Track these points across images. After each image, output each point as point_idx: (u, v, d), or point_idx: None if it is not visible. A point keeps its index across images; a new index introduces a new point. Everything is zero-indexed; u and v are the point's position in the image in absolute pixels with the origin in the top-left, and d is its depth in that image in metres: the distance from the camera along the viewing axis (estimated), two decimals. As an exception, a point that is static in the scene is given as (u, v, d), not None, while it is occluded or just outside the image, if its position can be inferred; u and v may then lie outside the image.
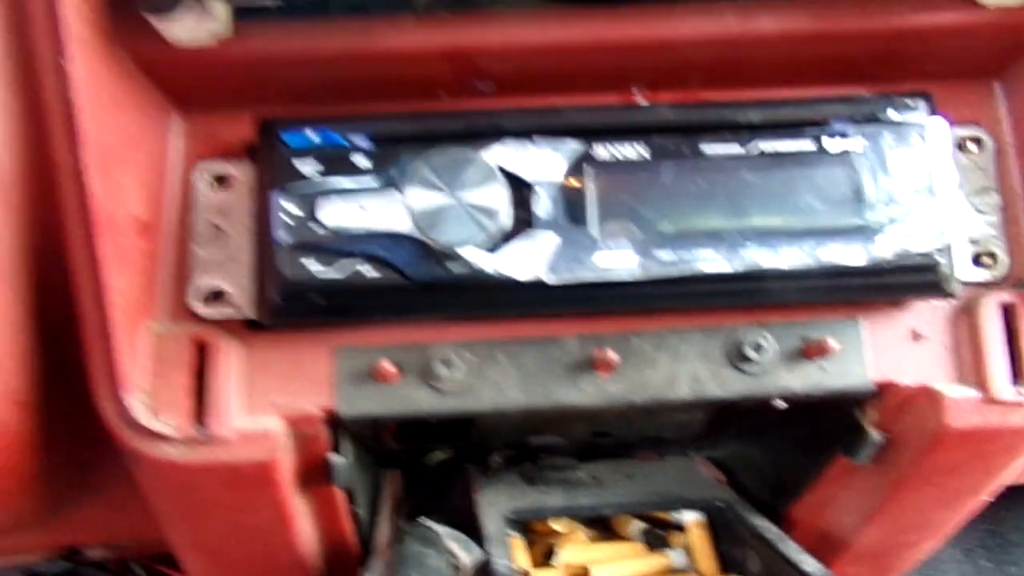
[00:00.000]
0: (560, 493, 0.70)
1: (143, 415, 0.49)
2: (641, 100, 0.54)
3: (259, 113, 0.52)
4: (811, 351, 0.51)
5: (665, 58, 0.51)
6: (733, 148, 0.48)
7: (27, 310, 0.49)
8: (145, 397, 0.49)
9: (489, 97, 0.53)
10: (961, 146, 0.54)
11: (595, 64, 0.52)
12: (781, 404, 0.53)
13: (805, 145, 0.48)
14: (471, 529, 0.63)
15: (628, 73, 0.53)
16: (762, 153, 0.48)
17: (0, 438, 0.50)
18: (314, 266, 0.47)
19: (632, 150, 0.48)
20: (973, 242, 0.53)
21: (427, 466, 0.79)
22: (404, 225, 0.46)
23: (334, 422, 0.52)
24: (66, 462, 0.59)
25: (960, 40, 0.51)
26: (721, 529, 0.68)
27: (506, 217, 0.46)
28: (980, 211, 0.53)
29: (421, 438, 0.69)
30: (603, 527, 0.73)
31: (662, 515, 0.72)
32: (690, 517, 0.69)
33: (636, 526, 0.71)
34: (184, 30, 0.47)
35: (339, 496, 0.59)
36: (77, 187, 0.45)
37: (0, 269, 0.47)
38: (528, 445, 0.73)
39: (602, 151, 0.47)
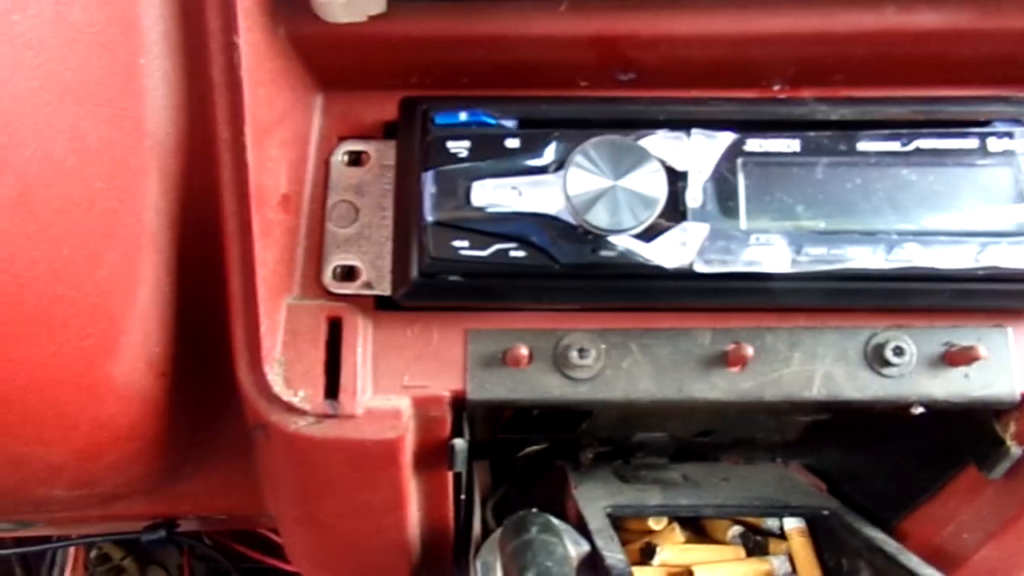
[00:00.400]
0: (657, 492, 0.69)
1: (280, 387, 0.49)
2: (781, 96, 0.53)
3: (397, 93, 0.52)
4: (956, 358, 0.49)
5: (816, 52, 0.50)
6: (890, 145, 0.46)
7: (174, 281, 0.50)
8: (282, 370, 0.50)
9: (628, 87, 0.53)
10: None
11: (741, 57, 0.51)
12: (918, 410, 0.51)
13: (967, 144, 0.46)
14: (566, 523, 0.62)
15: (773, 68, 0.52)
16: (920, 151, 0.46)
17: (138, 406, 0.51)
18: (461, 245, 0.47)
19: (785, 144, 0.47)
20: None
21: (516, 459, 0.79)
22: (556, 208, 0.45)
23: (459, 405, 0.52)
24: (187, 435, 0.60)
25: None
26: (824, 538, 0.66)
27: (662, 205, 0.45)
28: None
29: (527, 428, 0.69)
30: (695, 530, 0.72)
31: (755, 521, 0.70)
32: (791, 524, 0.68)
33: (734, 529, 0.69)
34: (341, 8, 0.48)
35: (449, 481, 0.59)
36: (235, 159, 0.46)
37: (152, 238, 0.48)
38: (625, 442, 0.73)
39: (755, 144, 0.47)
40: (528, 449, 0.77)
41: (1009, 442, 0.52)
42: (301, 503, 0.59)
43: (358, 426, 0.50)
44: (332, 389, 0.50)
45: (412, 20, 0.49)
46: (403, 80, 0.53)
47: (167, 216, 0.49)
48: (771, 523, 0.70)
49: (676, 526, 0.69)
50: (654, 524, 0.69)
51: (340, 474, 0.54)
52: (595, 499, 0.67)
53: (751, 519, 0.70)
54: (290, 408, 0.49)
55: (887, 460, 0.66)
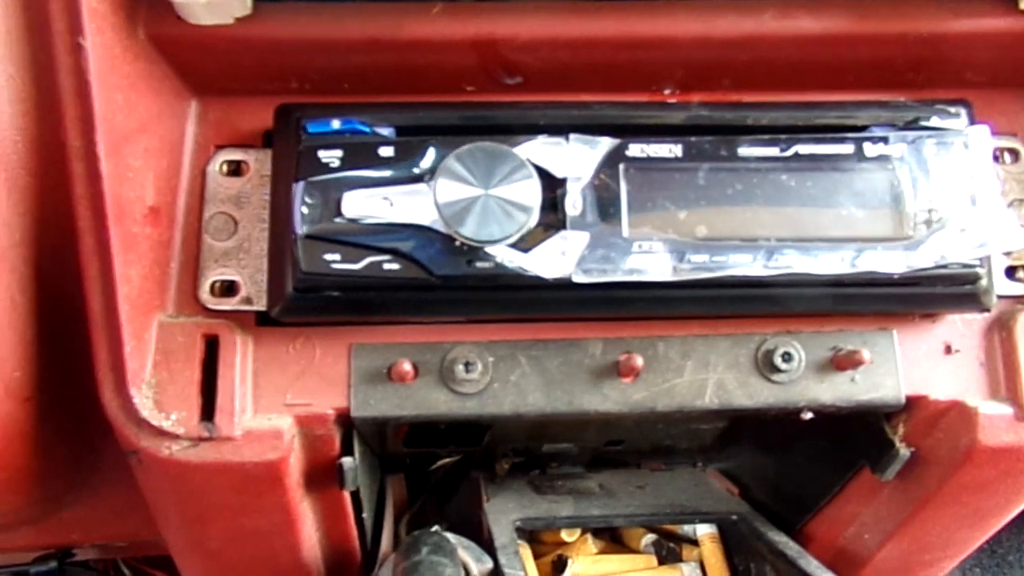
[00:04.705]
0: (570, 503, 0.69)
1: (149, 411, 0.47)
2: (671, 100, 0.52)
3: (276, 99, 0.50)
4: (842, 362, 0.49)
5: (699, 56, 0.49)
6: (770, 150, 0.46)
7: (31, 300, 0.47)
8: (151, 392, 0.47)
9: (515, 92, 0.51)
10: (997, 157, 0.52)
11: (626, 60, 0.50)
12: (808, 415, 0.51)
13: (844, 149, 0.46)
14: (477, 537, 0.61)
15: (659, 71, 0.51)
16: (800, 156, 0.46)
17: (1, 433, 0.48)
18: (333, 259, 0.45)
19: (667, 149, 0.46)
20: (1007, 254, 0.52)
21: (432, 471, 0.77)
22: (430, 218, 0.44)
23: (346, 423, 0.50)
24: (65, 461, 0.56)
25: (1000, 48, 0.50)
26: (734, 543, 0.66)
27: (537, 214, 0.44)
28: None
29: (431, 442, 0.67)
30: (612, 537, 0.71)
31: (672, 527, 0.70)
32: (703, 530, 0.67)
33: (647, 538, 0.69)
34: (204, 9, 0.45)
35: (346, 499, 0.57)
36: (88, 169, 0.43)
37: (4, 255, 0.45)
38: (539, 452, 0.72)
39: (637, 149, 0.46)
40: (441, 461, 0.75)
41: (899, 444, 0.52)
42: (187, 530, 0.56)
43: (237, 448, 0.48)
44: (208, 411, 0.48)
45: (280, 22, 0.47)
46: (281, 85, 0.51)
47: (20, 232, 0.45)
48: (687, 529, 0.70)
49: (589, 537, 0.68)
50: (567, 536, 0.68)
51: (223, 499, 0.51)
52: (506, 512, 0.65)
53: (668, 526, 0.70)
54: (161, 432, 0.47)
55: (791, 463, 0.67)
